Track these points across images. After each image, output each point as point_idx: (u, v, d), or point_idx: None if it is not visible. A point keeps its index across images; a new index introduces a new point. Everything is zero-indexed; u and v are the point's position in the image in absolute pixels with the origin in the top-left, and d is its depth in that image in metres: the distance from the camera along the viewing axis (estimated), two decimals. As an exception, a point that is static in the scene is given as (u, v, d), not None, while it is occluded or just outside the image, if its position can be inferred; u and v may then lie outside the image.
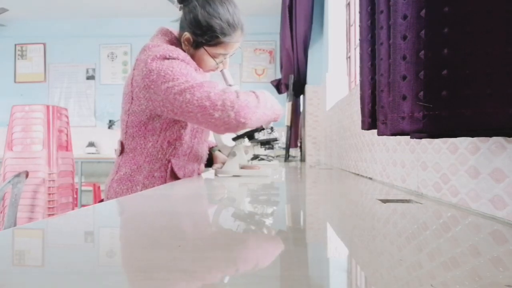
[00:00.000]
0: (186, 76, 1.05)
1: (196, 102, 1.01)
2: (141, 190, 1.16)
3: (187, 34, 1.17)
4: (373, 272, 0.34)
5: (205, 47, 1.18)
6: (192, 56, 1.20)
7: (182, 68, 1.06)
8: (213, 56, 1.20)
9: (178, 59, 1.09)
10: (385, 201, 0.75)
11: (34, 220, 2.68)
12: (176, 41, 1.21)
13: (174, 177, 1.20)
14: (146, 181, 1.17)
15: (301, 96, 3.60)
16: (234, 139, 1.40)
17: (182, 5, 1.20)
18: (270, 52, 5.34)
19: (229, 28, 1.16)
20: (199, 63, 1.22)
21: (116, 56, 5.41)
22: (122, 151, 1.23)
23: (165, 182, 1.19)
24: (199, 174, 1.38)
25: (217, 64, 1.22)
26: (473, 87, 0.44)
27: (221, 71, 1.33)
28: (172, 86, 1.03)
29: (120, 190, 1.18)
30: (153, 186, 1.17)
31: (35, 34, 5.52)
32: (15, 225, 2.41)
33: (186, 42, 1.19)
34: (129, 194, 1.15)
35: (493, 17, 0.41)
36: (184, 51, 1.19)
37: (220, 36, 1.15)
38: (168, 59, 1.08)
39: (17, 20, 5.49)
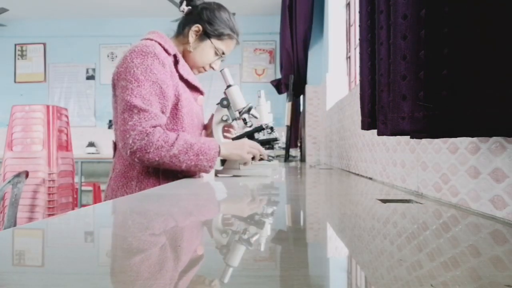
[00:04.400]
0: (142, 85, 1.10)
1: (124, 118, 1.10)
2: (136, 186, 1.18)
3: (198, 26, 1.29)
4: (373, 272, 0.34)
5: (212, 39, 1.31)
6: (195, 48, 1.31)
7: (147, 70, 1.12)
8: (214, 51, 1.32)
9: (150, 54, 1.14)
10: (385, 201, 0.75)
11: (34, 220, 2.68)
12: (159, 39, 1.25)
13: (170, 172, 1.20)
14: (141, 176, 1.18)
15: (301, 96, 3.60)
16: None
17: (191, 6, 1.32)
18: (270, 52, 5.34)
19: (234, 30, 1.33)
20: (199, 55, 1.32)
21: (116, 56, 5.41)
22: (115, 150, 1.27)
23: (159, 177, 1.19)
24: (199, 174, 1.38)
25: (212, 61, 1.34)
26: (473, 87, 0.44)
27: (221, 71, 1.35)
28: (126, 89, 1.11)
29: (116, 187, 1.20)
30: (148, 181, 1.18)
31: (35, 34, 5.52)
32: (15, 225, 2.41)
33: (193, 34, 1.30)
34: (125, 190, 1.18)
35: (493, 17, 0.41)
36: (184, 43, 1.31)
37: (229, 32, 1.31)
38: (143, 55, 1.13)
39: (17, 20, 5.49)
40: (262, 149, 1.34)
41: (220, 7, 1.33)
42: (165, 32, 1.31)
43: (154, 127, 1.10)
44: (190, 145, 1.14)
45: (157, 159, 1.10)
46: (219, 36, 1.31)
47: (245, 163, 1.34)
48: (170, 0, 4.06)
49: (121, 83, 1.12)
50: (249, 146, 1.30)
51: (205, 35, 1.30)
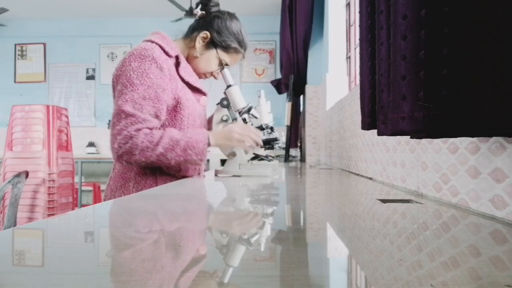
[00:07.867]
0: (136, 90, 1.10)
1: (114, 123, 1.11)
2: (133, 187, 1.18)
3: (206, 33, 1.29)
4: (373, 272, 0.34)
5: (218, 49, 1.31)
6: (201, 54, 1.32)
7: (143, 74, 1.12)
8: (219, 61, 1.32)
9: (148, 58, 1.14)
10: (385, 201, 0.75)
11: (34, 220, 2.67)
12: (160, 41, 1.25)
13: (168, 173, 1.20)
14: (138, 177, 1.19)
15: (301, 96, 3.60)
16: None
17: (205, 11, 1.31)
18: (270, 52, 5.34)
19: (241, 44, 1.33)
20: (203, 62, 1.32)
21: (116, 56, 5.41)
22: None
23: (156, 178, 1.19)
24: (199, 174, 1.37)
25: (214, 70, 1.34)
26: (473, 87, 0.44)
27: (221, 71, 1.35)
28: (121, 93, 1.11)
29: (114, 187, 1.20)
30: (146, 182, 1.18)
31: (35, 34, 5.52)
32: (15, 225, 2.41)
33: (201, 40, 1.30)
34: (123, 191, 1.18)
35: (493, 17, 0.41)
36: (191, 47, 1.31)
37: (236, 46, 1.31)
38: (141, 59, 1.13)
39: (17, 20, 5.49)
40: (254, 130, 1.28)
41: (232, 18, 1.32)
42: (174, 33, 1.31)
43: (139, 130, 1.09)
44: (176, 141, 1.12)
45: (143, 159, 1.10)
46: (226, 48, 1.31)
47: (245, 151, 1.34)
48: (170, 0, 4.06)
49: (118, 87, 1.14)
50: (238, 134, 1.25)
51: (211, 43, 1.30)
